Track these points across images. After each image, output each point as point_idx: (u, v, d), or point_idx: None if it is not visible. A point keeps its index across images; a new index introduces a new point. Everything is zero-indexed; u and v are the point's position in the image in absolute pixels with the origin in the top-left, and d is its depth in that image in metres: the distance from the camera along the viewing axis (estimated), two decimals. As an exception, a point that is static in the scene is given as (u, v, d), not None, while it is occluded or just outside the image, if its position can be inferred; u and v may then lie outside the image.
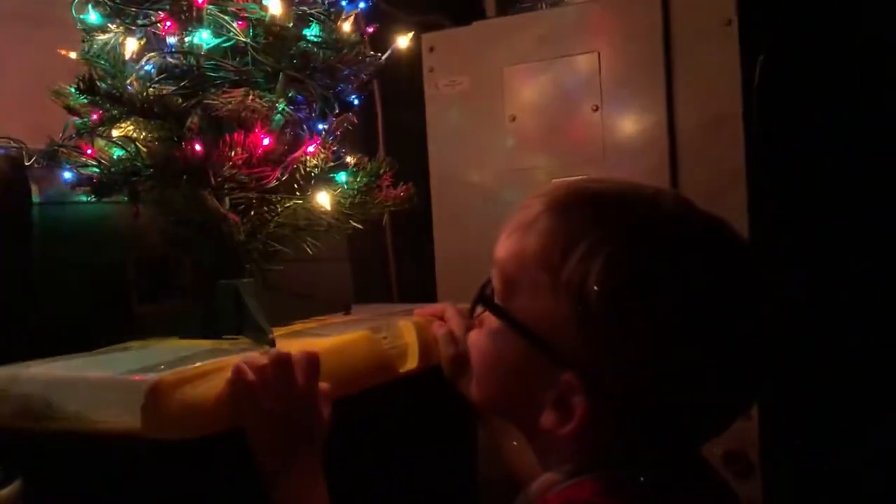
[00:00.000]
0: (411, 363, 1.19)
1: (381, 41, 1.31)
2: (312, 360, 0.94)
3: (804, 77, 1.64)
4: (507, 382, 0.72)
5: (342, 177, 1.16)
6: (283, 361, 0.91)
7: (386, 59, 1.26)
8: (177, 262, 1.26)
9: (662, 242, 0.65)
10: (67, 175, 1.10)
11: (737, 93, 1.53)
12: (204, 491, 0.89)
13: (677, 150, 1.59)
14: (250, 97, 1.00)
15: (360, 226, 1.18)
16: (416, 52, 1.80)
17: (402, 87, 1.92)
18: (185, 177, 1.00)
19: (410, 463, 1.20)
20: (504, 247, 0.72)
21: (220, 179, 0.99)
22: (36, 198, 1.15)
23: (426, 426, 1.26)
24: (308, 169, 1.06)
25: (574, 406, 0.65)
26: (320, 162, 1.08)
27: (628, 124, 1.65)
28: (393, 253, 2.00)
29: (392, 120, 2.01)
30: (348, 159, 1.21)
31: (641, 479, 0.64)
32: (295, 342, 1.07)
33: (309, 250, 1.17)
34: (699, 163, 1.57)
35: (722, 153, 1.54)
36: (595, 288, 0.62)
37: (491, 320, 0.72)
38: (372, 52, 1.18)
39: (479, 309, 0.74)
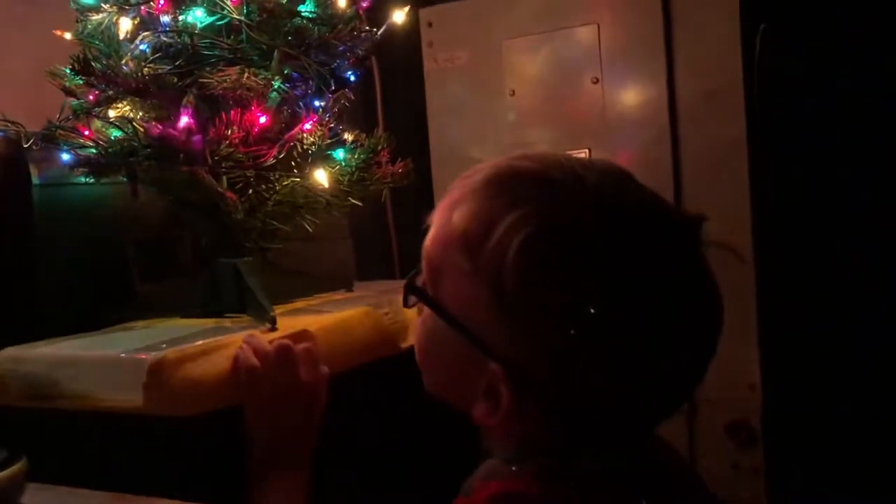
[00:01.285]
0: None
1: (378, 16, 1.30)
2: (312, 354, 0.95)
3: (805, 47, 1.62)
4: (444, 370, 0.70)
5: (340, 154, 1.15)
6: (287, 352, 0.92)
7: (382, 34, 1.25)
8: (177, 241, 1.26)
9: (582, 224, 0.60)
10: (66, 156, 1.10)
11: (737, 63, 1.51)
12: (206, 466, 0.90)
13: (678, 121, 1.59)
14: (245, 75, 1.00)
15: (359, 203, 1.18)
16: (414, 27, 1.79)
17: (402, 62, 1.91)
18: (181, 156, 1.00)
19: (413, 437, 1.21)
20: (431, 230, 0.69)
21: (216, 158, 0.99)
22: (35, 179, 1.15)
23: (429, 401, 1.26)
24: (305, 146, 1.06)
25: (500, 396, 0.62)
26: (317, 139, 1.08)
27: (629, 96, 1.64)
28: (394, 229, 2.01)
29: (392, 96, 2.00)
30: (346, 136, 1.21)
31: (577, 466, 0.61)
32: (296, 319, 1.07)
33: (308, 228, 1.16)
34: (700, 133, 1.56)
35: (723, 124, 1.53)
36: (510, 273, 0.59)
37: (424, 307, 0.70)
38: (368, 28, 1.18)
39: (412, 298, 0.71)
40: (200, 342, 0.94)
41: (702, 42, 1.55)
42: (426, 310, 0.69)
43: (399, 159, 1.24)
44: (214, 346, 0.93)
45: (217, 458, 0.91)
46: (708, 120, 1.55)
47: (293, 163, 1.07)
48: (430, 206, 1.85)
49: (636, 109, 1.63)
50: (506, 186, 0.64)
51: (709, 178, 1.53)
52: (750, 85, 1.51)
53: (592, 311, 0.58)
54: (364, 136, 1.20)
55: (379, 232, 2.01)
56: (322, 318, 1.08)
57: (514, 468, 0.64)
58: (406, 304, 0.72)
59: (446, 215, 0.66)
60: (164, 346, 0.93)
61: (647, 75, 1.60)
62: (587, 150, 1.65)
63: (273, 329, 1.01)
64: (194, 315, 1.15)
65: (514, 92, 1.74)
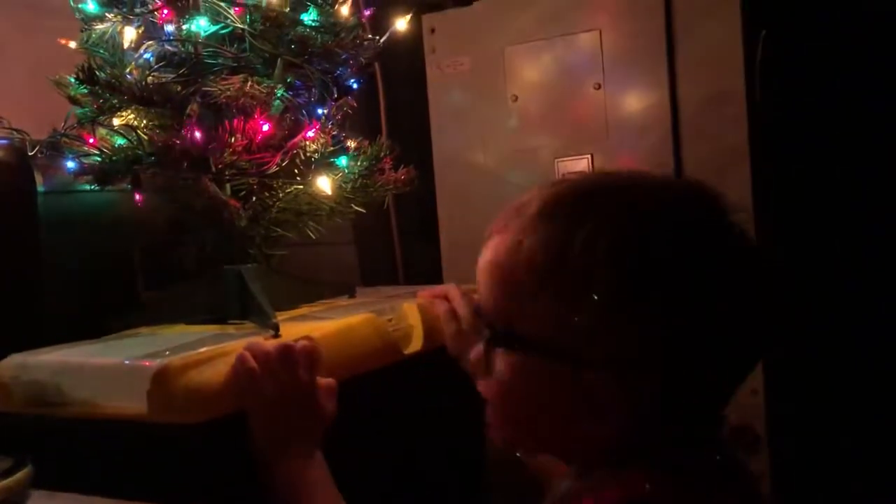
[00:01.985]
0: (416, 345, 1.20)
1: (381, 23, 1.31)
2: (313, 353, 0.95)
3: (806, 52, 1.63)
4: (538, 413, 0.69)
5: (343, 161, 1.16)
6: (288, 352, 0.92)
7: (385, 41, 1.26)
8: (182, 248, 1.27)
9: (666, 218, 0.65)
10: (70, 164, 1.11)
11: (739, 68, 1.52)
12: (211, 474, 0.91)
13: (680, 126, 1.59)
14: (249, 83, 1.00)
15: (362, 209, 1.19)
16: (417, 34, 1.80)
17: (405, 69, 1.91)
18: (185, 164, 1.01)
19: (418, 444, 1.22)
20: (483, 282, 0.70)
21: (220, 166, 1.00)
22: (41, 187, 1.16)
23: (433, 407, 1.27)
24: (308, 154, 1.07)
25: (607, 403, 0.64)
26: (320, 147, 1.08)
27: (631, 102, 1.64)
28: (398, 235, 2.01)
29: (395, 102, 2.01)
30: (349, 143, 1.22)
31: (683, 464, 0.64)
32: (299, 326, 1.08)
33: (312, 235, 1.17)
34: (702, 139, 1.57)
35: (725, 129, 1.53)
36: (604, 274, 0.62)
37: (500, 361, 0.69)
38: (370, 36, 1.18)
39: (479, 350, 0.70)
40: (204, 349, 0.94)
41: (704, 48, 1.56)
42: (501, 363, 0.69)
43: (402, 166, 1.24)
44: (218, 353, 0.94)
45: (221, 465, 0.92)
46: (710, 125, 1.56)
47: (296, 170, 1.08)
48: (434, 212, 1.85)
49: (638, 115, 1.63)
50: (563, 208, 0.66)
51: (711, 183, 1.53)
52: (752, 90, 1.51)
53: (684, 298, 0.63)
54: (367, 143, 1.21)
55: (383, 238, 2.02)
56: (324, 325, 1.08)
57: (627, 475, 0.64)
58: (487, 370, 0.70)
59: (499, 258, 0.68)
60: (168, 353, 0.93)
61: (649, 81, 1.61)
62: (590, 156, 1.66)
63: (276, 336, 1.02)
64: (199, 322, 1.16)
65: (516, 98, 1.74)
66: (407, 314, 1.21)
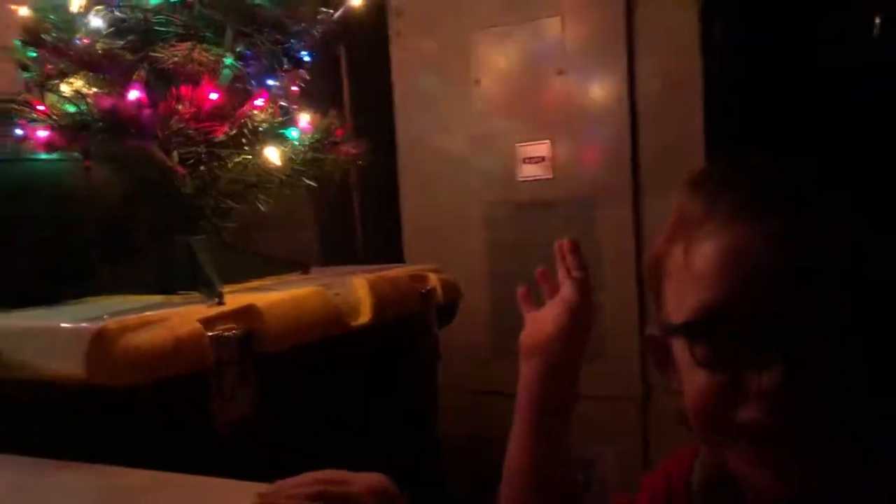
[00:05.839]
0: (364, 317, 1.21)
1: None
2: None
3: (763, 42, 1.65)
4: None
5: (292, 133, 1.16)
6: None
7: (345, 18, 1.26)
8: (135, 219, 1.27)
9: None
10: (19, 131, 1.10)
11: (696, 57, 1.53)
12: (148, 435, 0.91)
13: (638, 113, 1.60)
14: (197, 50, 1.00)
15: (312, 183, 1.19)
16: (383, 17, 1.81)
17: (371, 52, 1.92)
18: (132, 131, 1.00)
19: (372, 416, 1.23)
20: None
21: (167, 133, 1.00)
22: (-11, 154, 1.15)
23: (387, 378, 1.28)
24: (256, 123, 1.07)
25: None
26: (269, 117, 1.08)
27: (591, 88, 1.65)
28: (360, 217, 2.02)
29: (360, 85, 2.01)
30: (305, 117, 1.21)
31: None
32: (247, 296, 1.08)
33: (261, 207, 1.17)
34: (659, 125, 1.58)
35: (681, 116, 1.55)
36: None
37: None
38: (324, 9, 1.19)
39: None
40: (143, 314, 0.95)
41: (662, 36, 1.57)
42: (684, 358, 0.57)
43: (354, 142, 1.24)
44: (157, 318, 0.94)
45: (157, 427, 0.92)
46: (667, 112, 1.57)
47: (244, 140, 1.08)
48: (396, 193, 1.83)
49: (598, 101, 1.64)
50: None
51: (667, 169, 1.55)
52: (708, 77, 1.53)
53: None
54: (318, 116, 1.21)
55: (344, 219, 2.02)
56: (271, 295, 1.09)
57: None
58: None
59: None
60: (107, 317, 0.94)
61: (609, 67, 1.62)
62: (549, 141, 1.67)
63: (221, 304, 1.02)
64: (151, 292, 1.16)
65: (479, 82, 1.75)
66: (356, 288, 1.22)
